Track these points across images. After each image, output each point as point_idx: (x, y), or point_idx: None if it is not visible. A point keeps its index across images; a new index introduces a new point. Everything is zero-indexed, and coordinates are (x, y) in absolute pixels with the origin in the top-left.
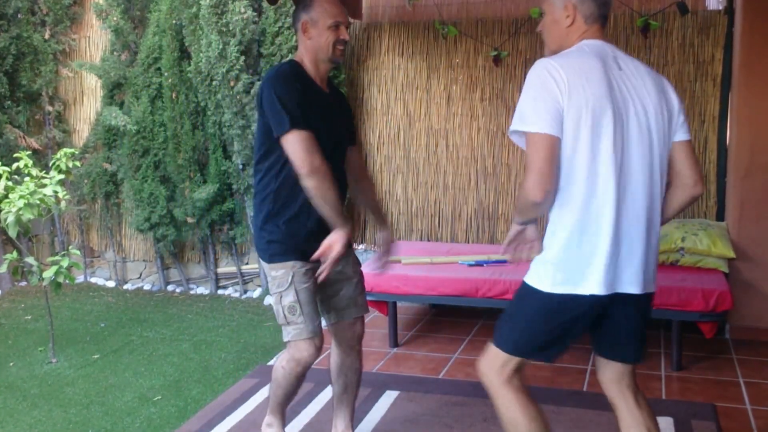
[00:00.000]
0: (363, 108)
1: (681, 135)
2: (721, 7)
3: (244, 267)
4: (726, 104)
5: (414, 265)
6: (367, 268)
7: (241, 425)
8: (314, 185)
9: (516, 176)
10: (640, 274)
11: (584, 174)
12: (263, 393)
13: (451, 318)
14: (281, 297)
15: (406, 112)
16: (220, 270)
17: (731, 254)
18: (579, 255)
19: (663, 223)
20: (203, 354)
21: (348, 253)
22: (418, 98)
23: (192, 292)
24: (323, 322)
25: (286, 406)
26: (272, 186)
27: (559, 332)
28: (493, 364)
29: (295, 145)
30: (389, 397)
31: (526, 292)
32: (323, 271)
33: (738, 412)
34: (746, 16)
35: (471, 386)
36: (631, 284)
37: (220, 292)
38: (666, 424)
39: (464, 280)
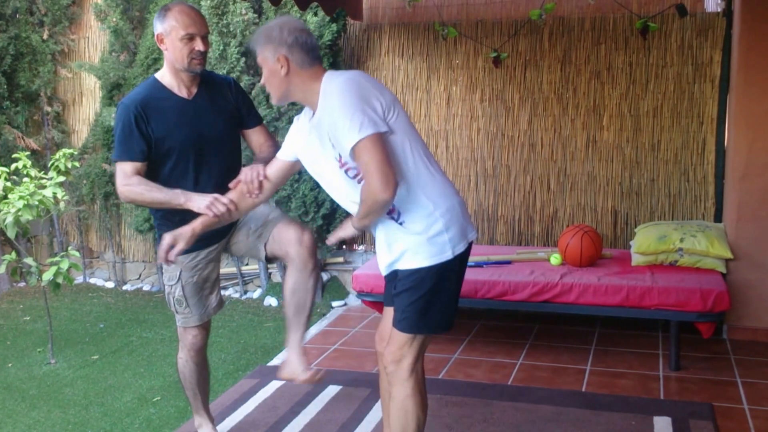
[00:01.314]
0: None
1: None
2: (719, 10)
3: (244, 268)
4: (724, 106)
5: None
6: (365, 269)
7: (241, 426)
8: (132, 200)
9: (515, 177)
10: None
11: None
12: (263, 394)
13: None
14: (171, 288)
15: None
16: (220, 270)
17: (729, 255)
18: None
19: None
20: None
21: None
22: (418, 99)
23: None
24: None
25: (205, 400)
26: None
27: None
28: (409, 352)
29: (117, 173)
30: None
31: (431, 272)
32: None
33: (735, 411)
34: (744, 19)
35: (470, 387)
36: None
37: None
38: (664, 423)
39: (464, 281)
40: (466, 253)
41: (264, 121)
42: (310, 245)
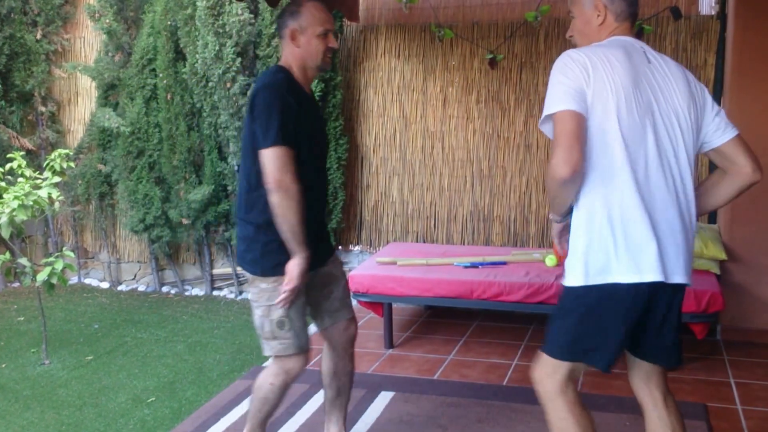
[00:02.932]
0: (359, 110)
1: (729, 133)
2: (713, 13)
3: (239, 268)
4: None
5: (409, 266)
6: (361, 269)
7: (236, 427)
8: (279, 202)
9: (511, 178)
10: (682, 262)
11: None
12: None
13: (446, 319)
14: (269, 310)
15: (402, 114)
16: (215, 271)
17: (723, 256)
18: (614, 242)
19: (710, 210)
20: (198, 355)
21: (332, 253)
22: (414, 100)
23: (187, 293)
24: (313, 328)
25: (268, 423)
26: (256, 194)
27: (600, 330)
28: (544, 371)
29: (273, 160)
30: (384, 398)
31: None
32: (281, 300)
33: (729, 412)
34: (738, 22)
35: (466, 387)
36: (675, 273)
37: (215, 293)
38: None
39: (459, 281)
40: (653, 291)
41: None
42: (353, 334)
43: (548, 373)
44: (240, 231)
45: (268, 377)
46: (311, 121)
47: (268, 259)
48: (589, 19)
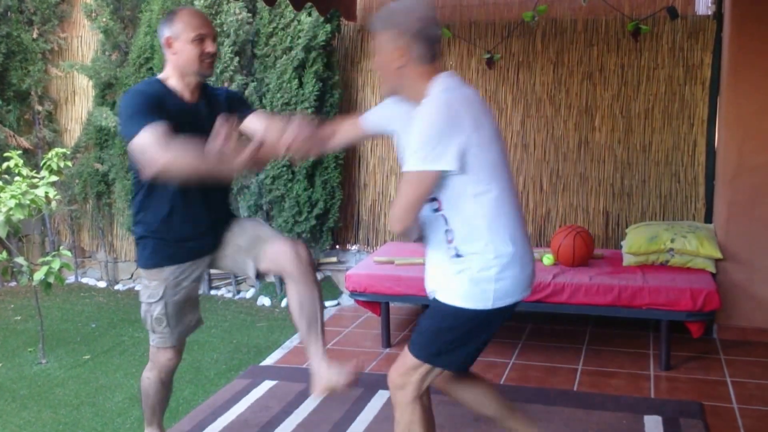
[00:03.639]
0: (357, 109)
1: None
2: (710, 13)
3: None
4: (714, 108)
5: (407, 265)
6: (358, 269)
7: (233, 426)
8: (176, 169)
9: None
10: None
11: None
12: (256, 393)
13: None
14: (151, 307)
15: None
16: (212, 271)
17: (719, 255)
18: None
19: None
20: (195, 354)
21: (218, 240)
22: None
23: None
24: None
25: (161, 416)
26: (140, 197)
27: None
28: (413, 380)
29: (146, 140)
30: (381, 397)
31: (461, 314)
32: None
33: (725, 410)
34: (734, 22)
35: None
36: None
37: (212, 292)
38: (654, 422)
39: None
40: (508, 309)
41: None
42: (307, 258)
43: (416, 379)
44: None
45: (145, 371)
46: (191, 130)
47: (141, 254)
48: (390, 60)
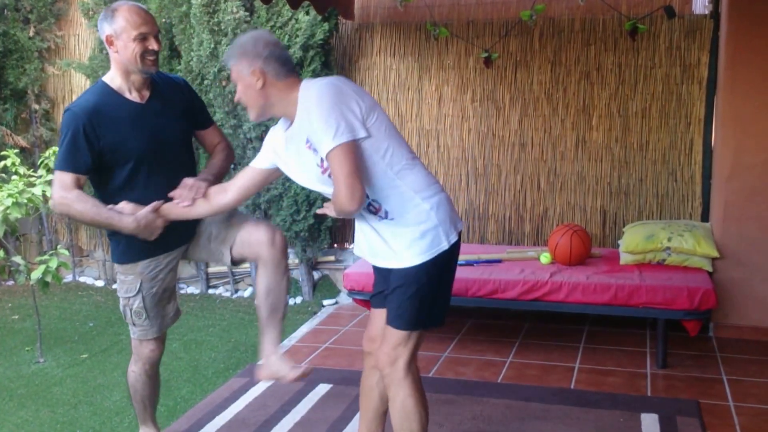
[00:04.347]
0: None
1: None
2: (707, 12)
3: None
4: (711, 107)
5: None
6: (356, 267)
7: (231, 425)
8: (68, 214)
9: (506, 177)
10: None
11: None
12: (253, 392)
13: None
14: (129, 301)
15: (397, 113)
16: (210, 269)
17: (715, 254)
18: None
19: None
20: (193, 353)
21: (193, 231)
22: (409, 99)
23: (182, 291)
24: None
25: (153, 412)
26: (106, 195)
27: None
28: (405, 350)
29: (55, 182)
30: None
31: (427, 266)
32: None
33: (721, 408)
34: (731, 21)
35: (460, 384)
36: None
37: (210, 291)
38: (651, 420)
39: (454, 279)
40: (458, 243)
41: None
42: (282, 245)
43: (409, 352)
44: None
45: (129, 366)
46: (133, 124)
47: (115, 250)
48: (250, 84)
